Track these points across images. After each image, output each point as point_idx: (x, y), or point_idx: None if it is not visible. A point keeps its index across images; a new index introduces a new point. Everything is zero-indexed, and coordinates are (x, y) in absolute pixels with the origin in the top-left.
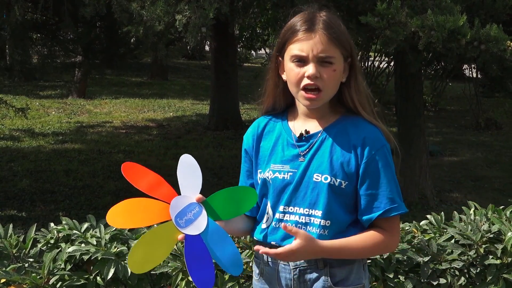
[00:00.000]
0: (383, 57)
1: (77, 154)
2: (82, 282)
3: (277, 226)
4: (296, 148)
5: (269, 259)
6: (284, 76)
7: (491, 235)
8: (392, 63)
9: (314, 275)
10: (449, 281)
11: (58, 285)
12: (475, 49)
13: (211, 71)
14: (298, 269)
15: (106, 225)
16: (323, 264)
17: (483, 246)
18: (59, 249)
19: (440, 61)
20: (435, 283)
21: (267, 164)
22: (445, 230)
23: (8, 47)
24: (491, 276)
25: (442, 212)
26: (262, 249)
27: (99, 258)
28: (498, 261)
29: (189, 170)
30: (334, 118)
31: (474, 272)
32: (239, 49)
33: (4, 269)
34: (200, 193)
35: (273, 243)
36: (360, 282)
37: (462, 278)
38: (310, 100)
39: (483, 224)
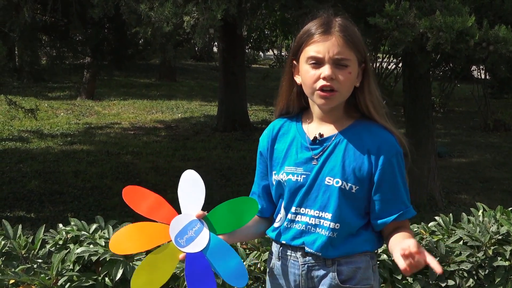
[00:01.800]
0: (391, 58)
1: (85, 155)
2: (90, 283)
3: (288, 226)
4: (310, 151)
5: (280, 254)
6: (298, 79)
7: (500, 237)
8: (400, 65)
9: (322, 272)
10: (457, 282)
11: (66, 286)
12: (484, 50)
13: (219, 72)
14: (306, 265)
15: (115, 226)
16: (331, 262)
17: (492, 247)
18: (68, 250)
19: (448, 62)
20: (443, 284)
21: (281, 166)
22: (453, 232)
23: (17, 48)
24: (500, 278)
25: (451, 214)
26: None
27: (107, 259)
28: (507, 263)
29: (191, 186)
30: (349, 122)
31: (483, 274)
32: (247, 50)
33: (13, 270)
34: (206, 198)
35: (283, 242)
36: (368, 283)
37: (471, 280)
38: (325, 98)
39: (492, 225)
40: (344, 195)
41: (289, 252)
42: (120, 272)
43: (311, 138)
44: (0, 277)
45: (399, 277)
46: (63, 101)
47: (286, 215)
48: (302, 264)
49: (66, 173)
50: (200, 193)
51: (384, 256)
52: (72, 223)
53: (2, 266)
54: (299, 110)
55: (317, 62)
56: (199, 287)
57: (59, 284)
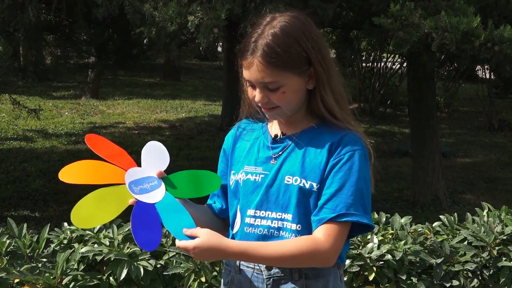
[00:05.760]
0: (396, 58)
1: (90, 155)
2: (95, 282)
3: (248, 231)
4: (270, 150)
5: (240, 266)
6: None
7: (505, 237)
8: (404, 64)
9: (290, 285)
10: (462, 283)
11: (71, 285)
12: (489, 50)
13: (224, 72)
14: (272, 279)
15: (119, 226)
16: (298, 276)
17: (496, 248)
18: (72, 249)
19: (453, 62)
20: (447, 285)
21: (241, 165)
22: (458, 232)
23: (22, 48)
24: (504, 278)
25: (455, 214)
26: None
27: (112, 259)
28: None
29: (156, 153)
30: (311, 123)
31: (487, 274)
32: None
33: (18, 269)
34: None
35: None
36: None
37: (475, 280)
38: (268, 113)
39: (496, 225)
40: (303, 194)
41: (251, 264)
42: (125, 271)
43: (273, 137)
44: (5, 276)
45: (404, 277)
46: (68, 101)
47: (243, 219)
48: (267, 278)
49: None
50: (163, 161)
51: (389, 256)
52: None
53: (7, 265)
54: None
55: (251, 84)
56: (144, 233)
57: (63, 283)
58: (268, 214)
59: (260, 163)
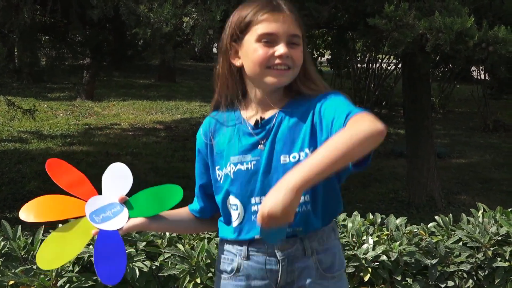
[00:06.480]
0: (391, 59)
1: (85, 156)
2: (90, 284)
3: (255, 219)
4: (254, 136)
5: (249, 253)
6: (238, 62)
7: (499, 238)
8: (400, 65)
9: (303, 263)
10: (457, 283)
11: (66, 287)
12: (483, 50)
13: None
14: (286, 259)
15: None
16: (311, 251)
17: (491, 248)
18: None
19: (448, 63)
20: (443, 285)
21: (226, 159)
22: (453, 233)
23: (17, 49)
24: (499, 279)
25: (450, 214)
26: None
27: None
28: (506, 264)
29: (118, 176)
30: (288, 99)
31: (482, 274)
32: None
33: (13, 271)
34: None
35: (257, 237)
36: (343, 267)
37: (470, 281)
38: (280, 76)
39: (491, 226)
40: None
41: (263, 248)
42: None
43: (253, 123)
44: None
45: (399, 278)
46: (63, 102)
47: (248, 208)
48: (281, 259)
49: None
50: (126, 185)
51: (384, 257)
52: None
53: (1, 267)
54: (242, 96)
55: (270, 41)
56: (106, 264)
57: (58, 285)
58: None
59: (246, 151)
